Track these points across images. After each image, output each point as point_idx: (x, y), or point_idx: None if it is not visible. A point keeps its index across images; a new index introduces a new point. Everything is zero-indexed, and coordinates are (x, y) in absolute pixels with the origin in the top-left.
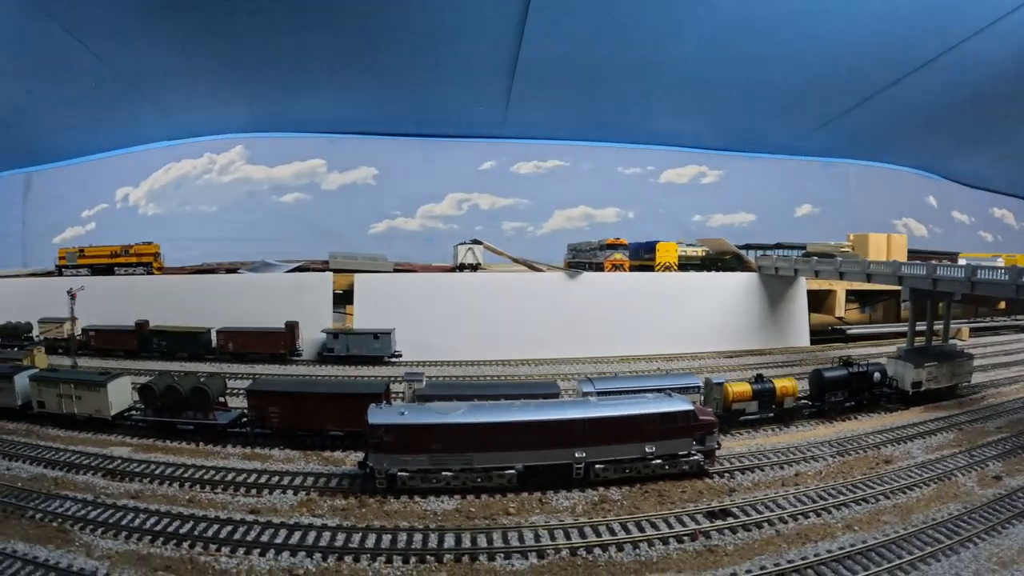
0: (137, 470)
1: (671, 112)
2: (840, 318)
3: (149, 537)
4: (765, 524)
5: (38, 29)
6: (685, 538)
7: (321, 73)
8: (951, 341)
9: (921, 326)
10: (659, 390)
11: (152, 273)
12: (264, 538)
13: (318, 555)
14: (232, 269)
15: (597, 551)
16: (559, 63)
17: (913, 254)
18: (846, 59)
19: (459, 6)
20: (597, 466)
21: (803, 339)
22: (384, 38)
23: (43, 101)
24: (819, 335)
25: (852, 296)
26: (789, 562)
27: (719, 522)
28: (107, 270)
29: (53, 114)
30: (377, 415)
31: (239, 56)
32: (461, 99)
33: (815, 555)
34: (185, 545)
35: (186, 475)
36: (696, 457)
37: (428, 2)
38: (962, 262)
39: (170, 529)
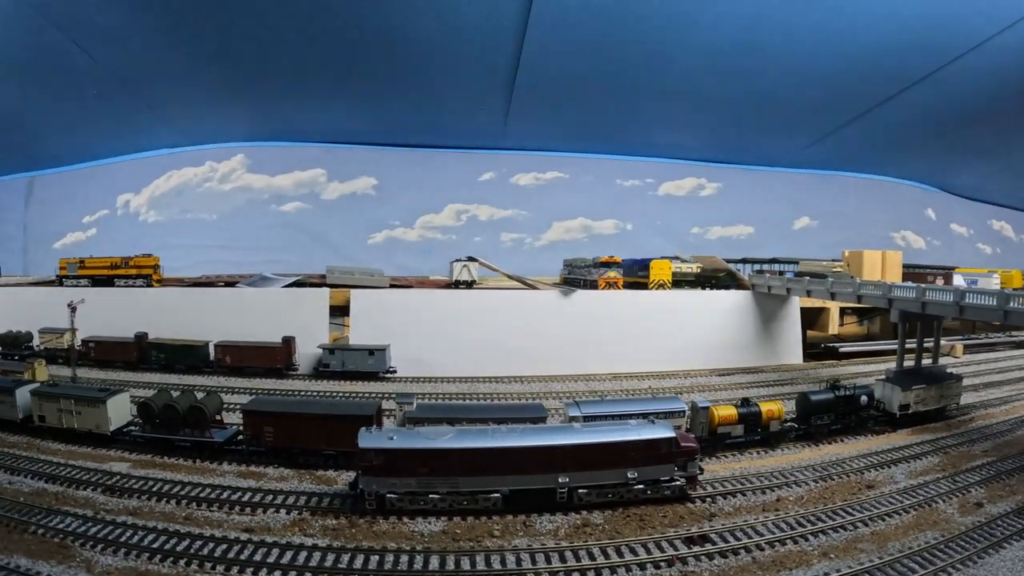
0: (136, 486)
1: (670, 125)
2: (835, 335)
3: (147, 554)
4: (742, 551)
5: (43, 37)
6: (662, 564)
7: (322, 84)
8: (943, 359)
9: (911, 344)
10: (644, 415)
11: (151, 285)
12: (257, 557)
13: (308, 574)
14: (231, 283)
15: (576, 575)
16: (558, 76)
17: (908, 269)
18: (844, 73)
19: (458, 19)
20: (580, 491)
21: (796, 357)
22: (384, 50)
23: (46, 107)
24: (813, 352)
25: (850, 310)
26: None
27: (696, 548)
28: (107, 281)
29: (56, 120)
30: (367, 439)
31: (241, 66)
32: (461, 111)
33: None
34: (181, 563)
35: (183, 492)
36: (678, 482)
37: (428, 15)
38: (958, 277)
39: (167, 547)
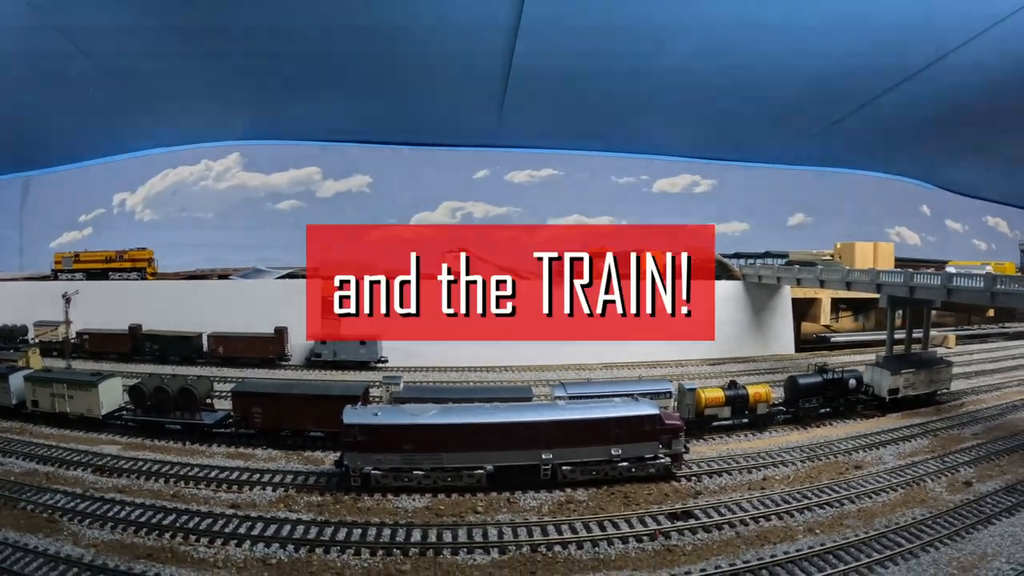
0: (125, 466)
1: (664, 122)
2: (827, 326)
3: (133, 528)
4: (726, 526)
5: (38, 35)
6: (645, 538)
7: (316, 82)
8: (935, 349)
9: (901, 333)
10: (629, 395)
11: (146, 278)
12: (242, 530)
13: (291, 547)
14: (224, 275)
15: (557, 548)
16: (551, 73)
17: (901, 262)
18: (838, 70)
19: (451, 17)
20: (564, 467)
21: (788, 347)
22: (379, 49)
23: (42, 106)
24: (805, 343)
25: (844, 305)
26: (745, 563)
27: (680, 523)
28: (102, 275)
29: (51, 119)
30: (352, 415)
31: (236, 65)
32: (455, 108)
33: (771, 556)
34: (167, 535)
35: (172, 472)
36: (663, 460)
37: (421, 13)
38: (950, 270)
39: (153, 521)
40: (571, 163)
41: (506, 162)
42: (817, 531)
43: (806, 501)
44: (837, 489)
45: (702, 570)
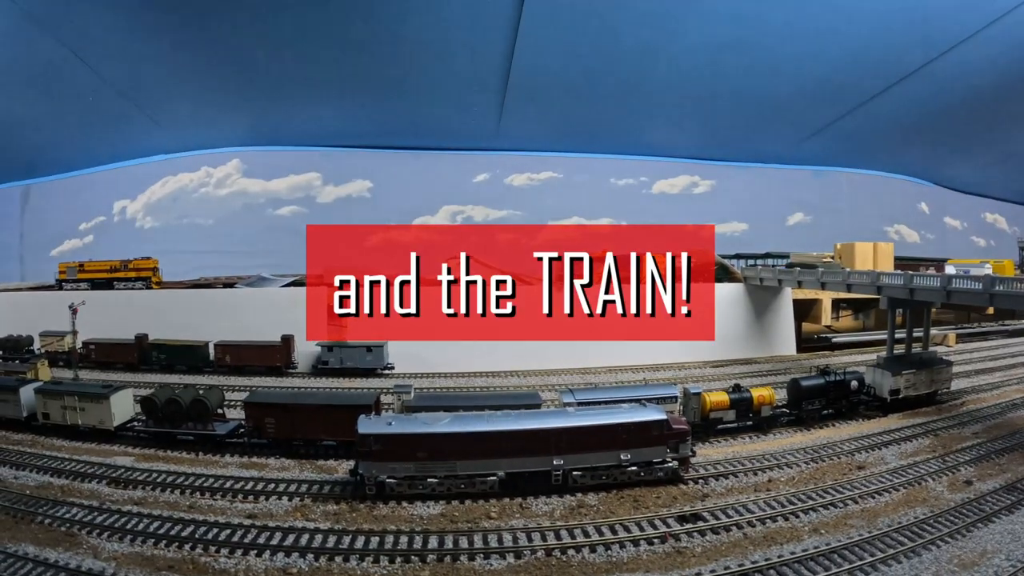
0: (140, 478)
1: (663, 124)
2: (828, 326)
3: (153, 540)
4: (734, 527)
5: (37, 44)
6: (655, 540)
7: (316, 88)
8: (935, 348)
9: (901, 334)
10: (636, 400)
11: (151, 288)
12: (261, 540)
13: (311, 556)
14: (229, 284)
15: (571, 552)
16: (550, 76)
17: (900, 261)
18: (835, 69)
19: (450, 21)
20: (575, 473)
21: (789, 348)
22: (377, 53)
23: (41, 115)
24: (807, 343)
25: (845, 304)
26: (753, 563)
27: (689, 525)
28: (107, 284)
29: (51, 127)
30: (366, 425)
31: (236, 71)
32: (454, 112)
33: (779, 556)
34: (187, 547)
35: (186, 483)
36: (670, 464)
37: (420, 18)
38: (950, 268)
39: (172, 532)
40: (570, 165)
41: (506, 165)
42: (822, 531)
43: (811, 502)
44: (841, 490)
45: (712, 571)
